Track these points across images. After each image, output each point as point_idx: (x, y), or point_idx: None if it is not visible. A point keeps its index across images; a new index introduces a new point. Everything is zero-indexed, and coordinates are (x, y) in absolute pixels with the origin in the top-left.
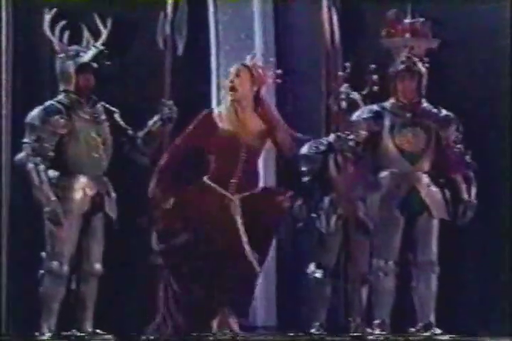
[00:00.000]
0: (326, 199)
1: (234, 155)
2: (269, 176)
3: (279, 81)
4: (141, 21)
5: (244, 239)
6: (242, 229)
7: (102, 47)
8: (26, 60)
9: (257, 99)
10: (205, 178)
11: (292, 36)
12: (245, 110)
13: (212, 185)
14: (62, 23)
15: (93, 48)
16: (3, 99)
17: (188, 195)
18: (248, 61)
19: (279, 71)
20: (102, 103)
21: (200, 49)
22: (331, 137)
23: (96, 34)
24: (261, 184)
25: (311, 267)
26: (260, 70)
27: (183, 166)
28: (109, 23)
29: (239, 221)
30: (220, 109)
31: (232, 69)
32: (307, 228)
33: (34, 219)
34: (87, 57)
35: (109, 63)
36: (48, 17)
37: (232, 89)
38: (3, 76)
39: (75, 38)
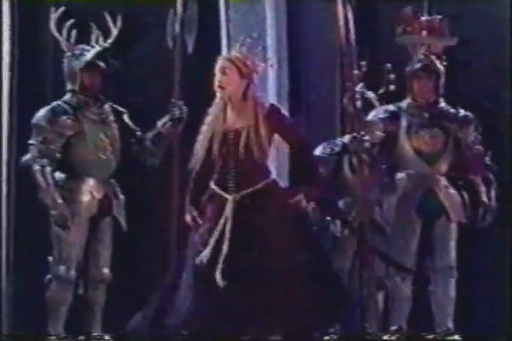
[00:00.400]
0: (341, 202)
1: (226, 154)
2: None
3: (271, 66)
4: (149, 19)
5: (226, 243)
6: (228, 227)
7: (105, 45)
8: (32, 60)
9: (245, 93)
10: (211, 183)
11: (306, 34)
12: (236, 106)
13: (214, 187)
14: (70, 22)
15: (96, 46)
16: (7, 99)
17: (203, 204)
18: (237, 48)
19: (269, 58)
20: (110, 103)
21: (210, 48)
22: (346, 138)
23: (105, 32)
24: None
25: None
26: (248, 61)
27: (207, 176)
28: (119, 21)
29: (228, 223)
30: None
31: (217, 66)
32: (321, 232)
33: (40, 222)
34: (89, 55)
35: (115, 61)
36: (54, 16)
37: (220, 87)
38: (7, 76)
39: (84, 37)
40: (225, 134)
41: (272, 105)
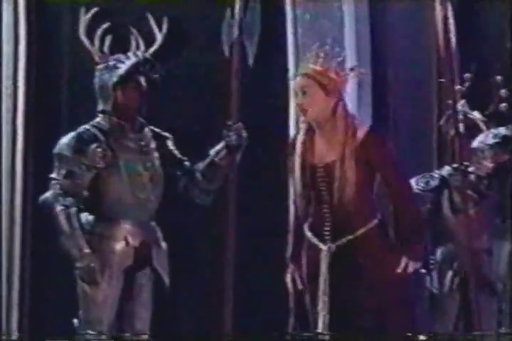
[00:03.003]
0: (439, 251)
1: (318, 194)
2: None
3: (361, 74)
4: (201, 22)
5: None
6: (322, 287)
7: (147, 55)
8: (55, 73)
9: (334, 113)
10: (304, 226)
11: (393, 40)
12: (324, 132)
13: (309, 234)
14: (104, 25)
15: (132, 57)
16: (21, 122)
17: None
18: (313, 60)
19: (356, 65)
20: (151, 127)
21: (275, 57)
22: (446, 170)
23: (147, 39)
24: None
25: (421, 337)
26: (331, 73)
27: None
28: (165, 25)
29: (322, 279)
30: (296, 133)
31: (295, 86)
32: (415, 287)
33: (62, 276)
34: (125, 67)
35: (158, 75)
36: (85, 19)
37: (303, 111)
38: (23, 93)
39: (121, 45)
40: (313, 170)
41: (370, 129)
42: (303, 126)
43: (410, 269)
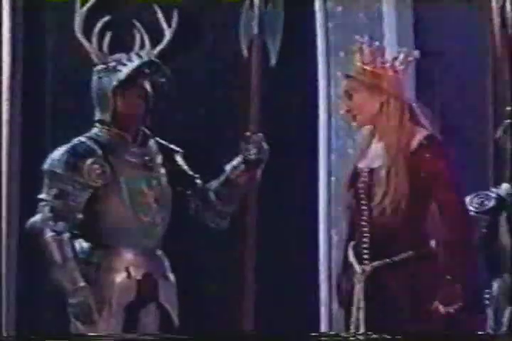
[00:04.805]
0: (496, 283)
1: (357, 206)
2: None
3: (414, 58)
4: (215, 16)
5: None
6: (355, 313)
7: (149, 56)
8: (46, 78)
9: (387, 113)
10: (349, 245)
11: (441, 39)
12: (381, 133)
13: (350, 253)
14: (104, 20)
15: (135, 58)
16: (7, 134)
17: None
18: (357, 58)
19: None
20: (157, 139)
21: (301, 57)
22: (503, 188)
23: (154, 36)
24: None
25: None
26: (376, 68)
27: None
28: (174, 20)
29: (355, 305)
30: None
31: (342, 89)
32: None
33: (53, 314)
34: (126, 70)
35: (165, 80)
36: (81, 12)
37: (352, 116)
38: (6, 100)
39: (123, 43)
40: (358, 174)
41: (428, 137)
42: (365, 131)
43: (441, 312)
